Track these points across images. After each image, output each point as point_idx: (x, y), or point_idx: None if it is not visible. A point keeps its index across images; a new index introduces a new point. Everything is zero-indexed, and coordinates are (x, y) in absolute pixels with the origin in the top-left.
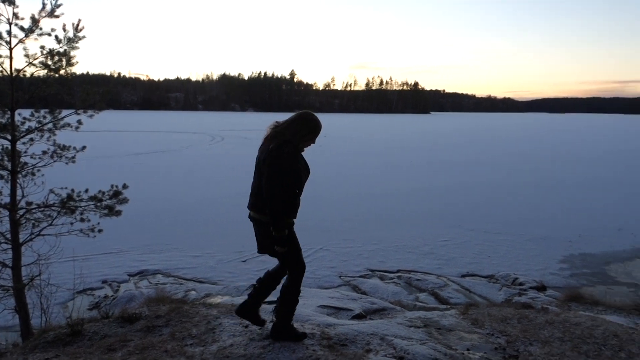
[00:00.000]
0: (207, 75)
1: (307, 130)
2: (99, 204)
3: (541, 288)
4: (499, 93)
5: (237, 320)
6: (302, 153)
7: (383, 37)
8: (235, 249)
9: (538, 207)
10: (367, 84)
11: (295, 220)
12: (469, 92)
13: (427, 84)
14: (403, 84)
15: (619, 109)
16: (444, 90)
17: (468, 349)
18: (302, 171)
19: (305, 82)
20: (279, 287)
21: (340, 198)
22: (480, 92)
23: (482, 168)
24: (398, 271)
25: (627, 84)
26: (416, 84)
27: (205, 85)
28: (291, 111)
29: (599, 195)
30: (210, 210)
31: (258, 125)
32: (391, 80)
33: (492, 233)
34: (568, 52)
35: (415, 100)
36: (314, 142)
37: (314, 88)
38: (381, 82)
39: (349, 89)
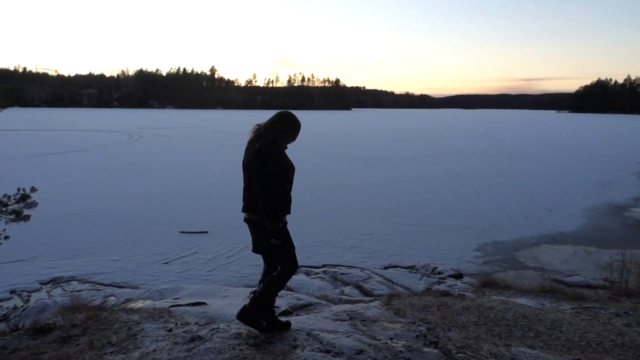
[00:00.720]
0: (122, 71)
1: (288, 128)
2: (4, 209)
3: (458, 276)
4: (417, 90)
5: (160, 325)
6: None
7: (304, 34)
8: (156, 251)
9: (453, 199)
10: (289, 81)
11: (288, 216)
12: (388, 89)
13: (348, 81)
14: (325, 81)
15: (525, 105)
16: (364, 87)
17: (391, 338)
18: (289, 167)
19: (226, 79)
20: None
21: None
22: (398, 89)
23: (403, 163)
24: (323, 266)
25: (532, 82)
26: (337, 80)
27: (121, 81)
28: (213, 108)
29: (508, 186)
30: (129, 211)
31: (178, 122)
32: (313, 77)
33: (412, 225)
34: (480, 51)
35: (337, 97)
36: (294, 140)
37: (236, 84)
38: (303, 79)
39: (271, 85)
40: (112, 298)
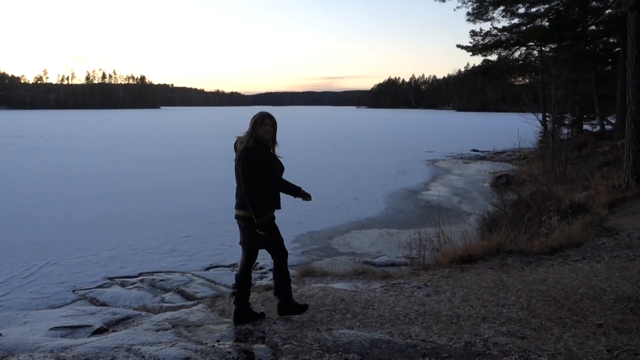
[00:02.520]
0: None
1: (253, 124)
2: None
3: None
4: (227, 88)
5: None
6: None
7: (102, 27)
8: None
9: None
10: (87, 78)
11: (275, 211)
12: (198, 87)
13: (155, 78)
14: (129, 78)
15: (329, 102)
16: (172, 85)
17: (218, 341)
18: (274, 165)
19: (10, 75)
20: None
21: (63, 204)
22: (209, 87)
23: (214, 162)
24: (140, 274)
25: (333, 80)
26: (143, 77)
27: None
28: None
29: (317, 177)
30: None
31: None
32: (115, 74)
33: (231, 223)
34: (286, 51)
35: (143, 95)
36: (270, 133)
37: (23, 82)
38: (104, 76)
39: (66, 82)
40: None
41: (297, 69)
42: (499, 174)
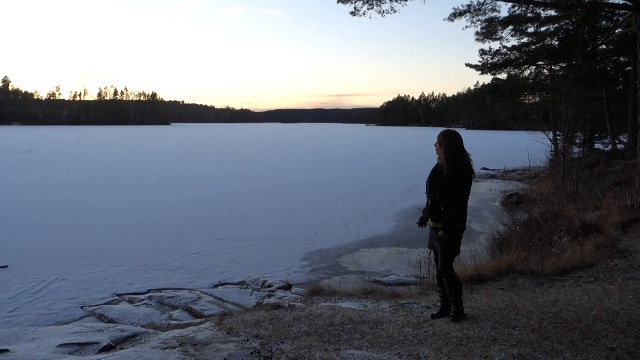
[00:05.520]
0: None
1: (455, 142)
2: None
3: (287, 287)
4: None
5: None
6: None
7: (113, 45)
8: None
9: (276, 211)
10: (99, 94)
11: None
12: (209, 104)
13: (166, 95)
14: (140, 94)
15: (338, 119)
16: (183, 102)
17: (225, 359)
18: (430, 181)
19: (23, 91)
20: None
21: (73, 219)
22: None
23: (225, 178)
24: (148, 291)
25: (343, 97)
26: (154, 94)
27: None
28: (8, 124)
29: (327, 195)
30: None
31: None
32: (127, 90)
33: (239, 240)
34: (295, 68)
35: (154, 111)
36: (436, 150)
37: (36, 98)
38: (115, 92)
39: (78, 98)
40: None
41: (306, 87)
42: (509, 193)
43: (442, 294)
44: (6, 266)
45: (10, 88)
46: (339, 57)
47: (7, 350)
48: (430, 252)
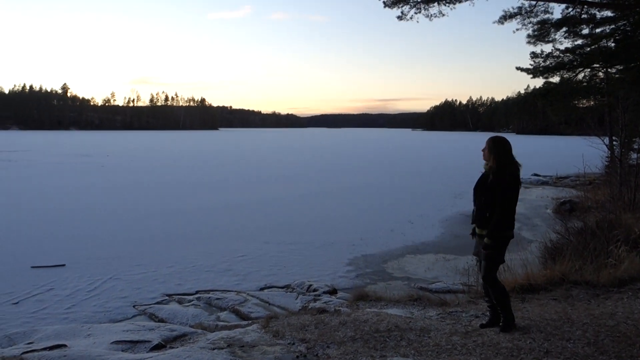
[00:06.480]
0: None
1: (503, 149)
2: None
3: (333, 291)
4: (283, 110)
5: None
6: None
7: (164, 52)
8: (3, 290)
9: (323, 216)
10: (151, 100)
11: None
12: (256, 109)
13: (214, 100)
14: (190, 100)
15: (384, 124)
16: (231, 107)
17: None
18: (478, 189)
19: (81, 97)
20: None
21: (126, 220)
22: (265, 108)
23: (271, 183)
24: (197, 292)
25: (388, 102)
26: (203, 100)
27: None
28: (66, 129)
29: (372, 200)
30: None
31: (24, 144)
32: (177, 96)
33: (285, 244)
34: (340, 73)
35: (203, 116)
36: (484, 156)
37: (92, 104)
38: (167, 98)
39: (131, 104)
40: None
41: (351, 91)
42: (562, 200)
43: (490, 303)
44: (64, 265)
45: (69, 94)
46: (385, 62)
47: (64, 346)
48: (477, 260)
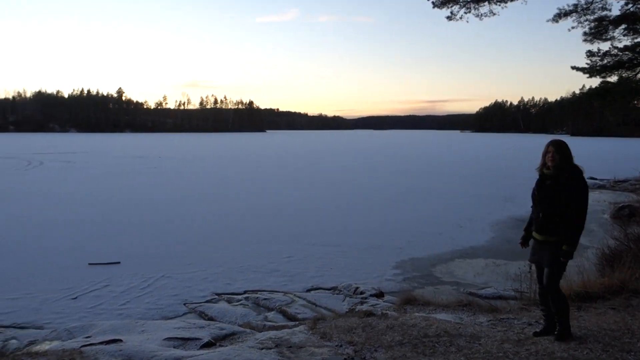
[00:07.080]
0: (18, 92)
1: (570, 152)
2: None
3: (380, 295)
4: (329, 112)
5: None
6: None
7: (214, 55)
8: (62, 286)
9: (369, 218)
10: (201, 103)
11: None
12: (302, 111)
13: (262, 103)
14: (238, 103)
15: (431, 125)
16: (278, 109)
17: None
18: (540, 194)
19: (135, 101)
20: None
21: (177, 220)
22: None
23: (319, 185)
24: (245, 292)
25: (436, 103)
26: (251, 102)
27: (17, 104)
28: (121, 131)
29: (420, 203)
30: (28, 243)
31: (82, 147)
32: (226, 99)
33: (331, 246)
34: (386, 74)
35: (251, 118)
36: (552, 160)
37: (145, 107)
38: (216, 101)
39: (182, 107)
40: (14, 341)
41: (398, 92)
42: (620, 205)
43: (546, 312)
44: (119, 262)
45: (123, 98)
46: (432, 62)
47: (120, 341)
48: (532, 267)
